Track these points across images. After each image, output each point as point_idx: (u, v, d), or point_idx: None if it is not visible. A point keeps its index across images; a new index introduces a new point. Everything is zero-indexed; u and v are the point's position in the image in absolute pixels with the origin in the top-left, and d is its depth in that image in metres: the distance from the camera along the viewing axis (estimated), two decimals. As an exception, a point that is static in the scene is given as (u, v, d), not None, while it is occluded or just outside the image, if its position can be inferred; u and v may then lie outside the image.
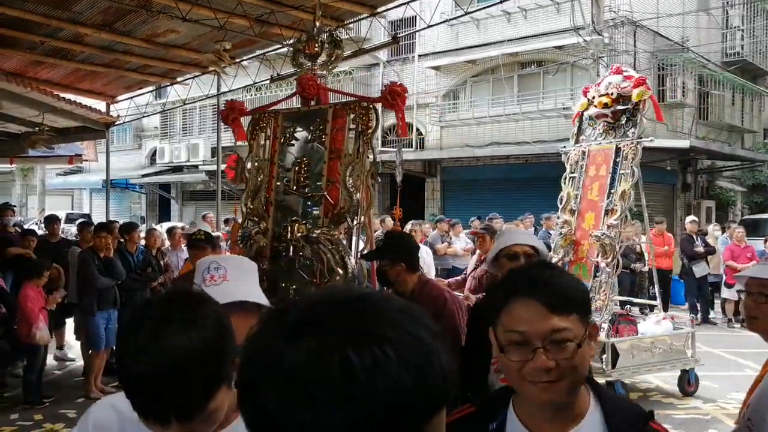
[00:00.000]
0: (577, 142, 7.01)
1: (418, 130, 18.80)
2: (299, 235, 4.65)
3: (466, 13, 9.55)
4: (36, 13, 8.51)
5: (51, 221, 9.52)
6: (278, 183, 5.23)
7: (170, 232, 9.49)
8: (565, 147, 7.70)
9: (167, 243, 9.26)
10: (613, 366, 5.91)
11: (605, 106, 6.33)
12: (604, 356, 5.82)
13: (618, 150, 6.27)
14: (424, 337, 0.71)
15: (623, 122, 6.29)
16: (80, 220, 12.80)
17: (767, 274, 2.20)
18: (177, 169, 23.61)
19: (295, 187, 5.07)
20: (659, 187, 17.62)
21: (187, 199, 25.42)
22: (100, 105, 12.86)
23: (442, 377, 0.71)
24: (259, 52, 11.10)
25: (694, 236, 11.73)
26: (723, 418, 6.50)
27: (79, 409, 6.67)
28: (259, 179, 5.30)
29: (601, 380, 5.41)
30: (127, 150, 25.98)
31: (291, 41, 9.83)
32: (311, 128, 5.27)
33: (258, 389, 0.70)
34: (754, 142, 21.09)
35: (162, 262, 8.44)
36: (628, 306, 8.11)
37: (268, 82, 14.87)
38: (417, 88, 18.66)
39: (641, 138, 6.19)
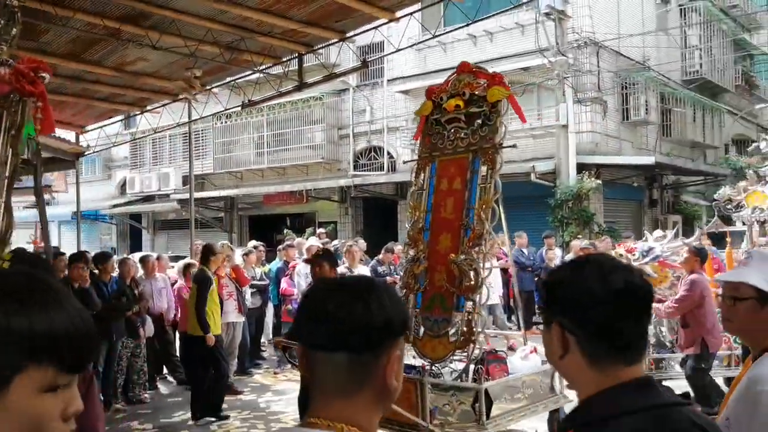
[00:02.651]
0: (424, 151, 5.75)
1: (389, 153, 18.94)
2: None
3: (433, 36, 9.71)
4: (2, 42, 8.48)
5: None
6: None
7: (143, 261, 9.45)
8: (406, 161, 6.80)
9: (141, 272, 9.21)
10: (488, 416, 4.65)
11: (457, 108, 5.37)
12: (476, 405, 4.60)
13: (475, 159, 5.23)
14: (392, 293, 1.32)
15: (478, 127, 5.26)
16: (55, 249, 12.62)
17: (735, 277, 2.28)
18: (148, 198, 23.42)
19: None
20: (627, 203, 17.95)
21: (158, 229, 25.19)
22: (69, 135, 12.77)
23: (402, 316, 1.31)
24: (229, 78, 11.16)
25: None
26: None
27: None
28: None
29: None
30: (97, 180, 25.71)
31: (262, 67, 9.94)
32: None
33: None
34: (716, 158, 21.61)
35: (136, 291, 8.41)
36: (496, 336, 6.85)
37: (239, 108, 14.93)
38: (387, 112, 18.84)
39: (501, 144, 5.15)
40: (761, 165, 8.38)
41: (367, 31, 9.17)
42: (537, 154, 15.88)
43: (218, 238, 15.07)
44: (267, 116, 20.45)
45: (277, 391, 8.84)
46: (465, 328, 4.93)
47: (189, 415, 7.53)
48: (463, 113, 5.33)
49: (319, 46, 9.75)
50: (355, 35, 9.46)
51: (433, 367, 5.04)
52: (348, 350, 1.25)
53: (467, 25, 9.67)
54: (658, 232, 11.74)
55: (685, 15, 19.81)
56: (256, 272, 10.32)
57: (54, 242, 25.89)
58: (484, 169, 5.16)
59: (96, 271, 8.09)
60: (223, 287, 8.39)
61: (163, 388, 9.33)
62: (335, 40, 9.18)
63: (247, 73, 10.72)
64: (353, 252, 9.43)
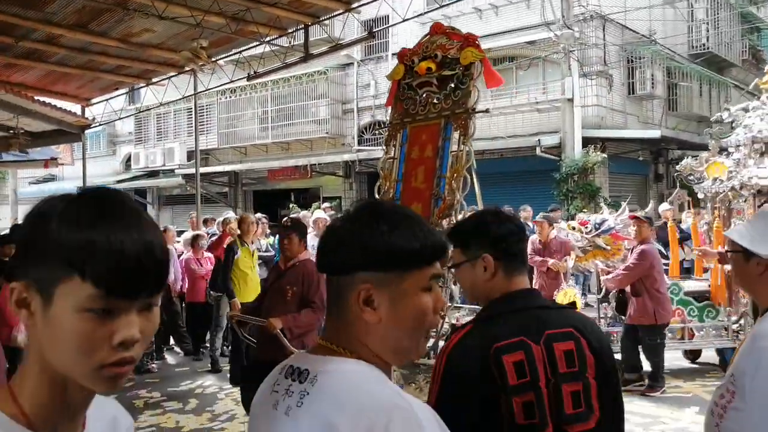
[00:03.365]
0: (396, 118, 5.45)
1: (393, 128, 18.90)
2: None
3: (440, 6, 9.64)
4: (8, 14, 8.46)
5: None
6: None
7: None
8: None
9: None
10: None
11: (429, 71, 5.06)
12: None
13: (447, 125, 4.94)
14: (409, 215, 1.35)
15: (451, 91, 4.95)
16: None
17: (728, 232, 2.34)
18: (153, 174, 23.46)
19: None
20: (632, 178, 17.93)
21: (163, 204, 25.26)
22: (74, 108, 12.77)
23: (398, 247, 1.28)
24: (234, 51, 11.13)
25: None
26: (704, 395, 6.69)
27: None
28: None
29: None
30: (102, 156, 25.75)
31: (268, 39, 9.92)
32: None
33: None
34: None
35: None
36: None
37: (244, 82, 14.90)
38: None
39: (474, 109, 4.84)
40: (724, 135, 8.27)
41: (373, 1, 9.12)
42: (542, 128, 15.85)
43: (223, 213, 15.12)
44: (271, 91, 20.39)
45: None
46: None
47: (196, 383, 7.63)
48: (435, 76, 5.03)
49: (324, 17, 9.71)
50: (361, 6, 9.42)
51: None
52: (327, 271, 1.34)
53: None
54: (665, 206, 11.79)
55: (692, -12, 19.65)
56: (262, 244, 10.36)
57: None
58: (456, 135, 4.88)
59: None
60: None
61: (170, 359, 9.44)
62: (341, 10, 9.15)
63: (253, 44, 10.69)
64: (320, 223, 10.06)
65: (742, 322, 7.43)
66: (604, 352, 1.93)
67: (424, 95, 5.11)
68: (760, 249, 2.13)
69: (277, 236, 11.36)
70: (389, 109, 5.54)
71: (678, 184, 8.11)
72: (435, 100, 5.04)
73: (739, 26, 21.50)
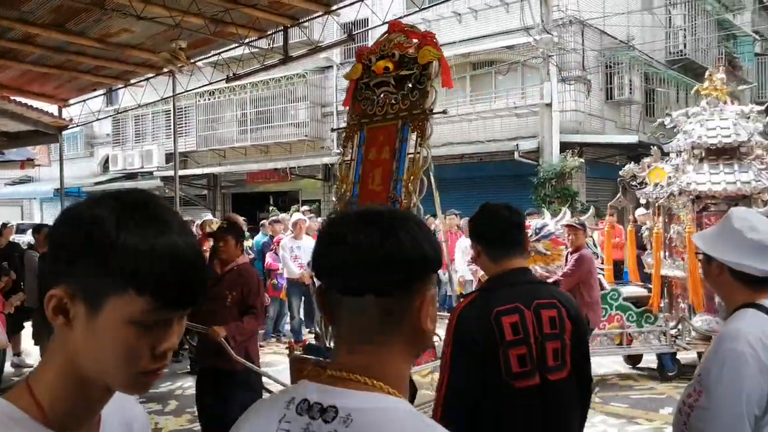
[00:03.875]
0: (353, 118, 5.32)
1: (373, 131, 18.93)
2: None
3: (420, 9, 9.67)
4: (-18, 13, 8.37)
5: (2, 227, 9.46)
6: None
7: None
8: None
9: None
10: (412, 402, 4.24)
11: (386, 71, 4.89)
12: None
13: (404, 126, 4.79)
14: (426, 228, 1.18)
15: (408, 91, 4.79)
16: (36, 224, 12.58)
17: (695, 238, 2.40)
18: (131, 176, 23.28)
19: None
20: (609, 183, 18.06)
21: (141, 207, 25.06)
22: (52, 108, 12.64)
23: (437, 251, 1.16)
24: (214, 52, 11.09)
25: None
26: (677, 396, 6.77)
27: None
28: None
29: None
30: (79, 158, 25.51)
31: (247, 40, 9.89)
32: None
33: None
34: (698, 138, 21.82)
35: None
36: None
37: (223, 85, 14.85)
38: (372, 89, 18.78)
39: (432, 110, 4.72)
40: (666, 140, 8.28)
41: (353, 3, 9.14)
42: (521, 133, 15.96)
43: (202, 216, 15.04)
44: (250, 93, 20.32)
45: (263, 363, 8.88)
46: None
47: (176, 385, 7.57)
48: (392, 76, 4.88)
49: (304, 19, 9.71)
50: (340, 8, 9.42)
51: None
52: (376, 291, 1.10)
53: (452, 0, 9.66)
54: (641, 210, 11.91)
55: (669, -5, 19.92)
56: (241, 246, 10.32)
57: (36, 219, 25.72)
58: (414, 137, 4.76)
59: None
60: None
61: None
62: (320, 12, 9.15)
63: (232, 46, 10.65)
64: (300, 225, 9.93)
65: (680, 327, 7.51)
66: (579, 320, 2.46)
67: (382, 95, 4.98)
68: (715, 253, 2.22)
69: (256, 238, 11.40)
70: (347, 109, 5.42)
71: (620, 190, 8.07)
72: (392, 101, 4.91)
73: (715, 33, 21.82)
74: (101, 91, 13.34)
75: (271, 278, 10.28)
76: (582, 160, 15.07)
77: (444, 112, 5.07)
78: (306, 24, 10.60)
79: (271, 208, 17.77)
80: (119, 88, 12.90)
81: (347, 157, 5.17)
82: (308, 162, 19.08)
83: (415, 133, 4.73)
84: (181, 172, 17.25)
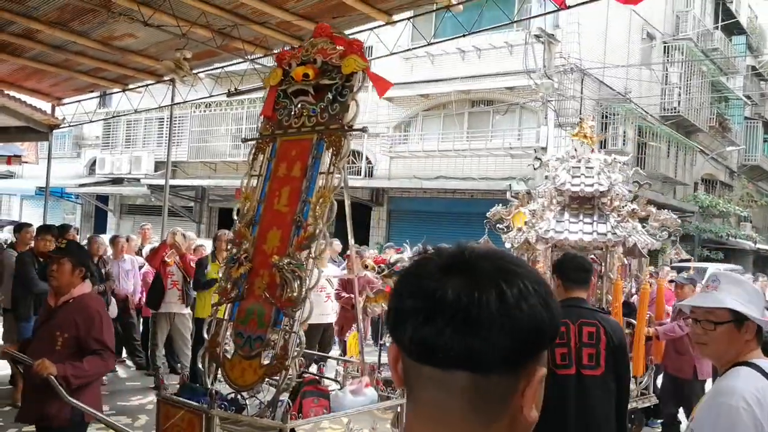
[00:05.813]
0: (267, 129, 4.74)
1: (367, 158, 18.91)
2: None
3: (429, 44, 9.70)
4: (-14, 4, 8.24)
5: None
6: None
7: (113, 241, 9.20)
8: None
9: (110, 252, 8.98)
10: None
11: (305, 78, 4.34)
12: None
13: (319, 142, 4.25)
14: (540, 280, 0.90)
15: (328, 103, 4.29)
16: (18, 222, 12.31)
17: (710, 302, 2.30)
18: (117, 180, 23.02)
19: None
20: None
21: (125, 213, 24.75)
22: (45, 106, 12.46)
23: (557, 312, 0.90)
24: (217, 66, 11.02)
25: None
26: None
27: (5, 417, 6.33)
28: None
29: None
30: (65, 158, 25.17)
31: (252, 57, 9.84)
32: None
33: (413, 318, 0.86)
34: (685, 194, 22.04)
35: (104, 271, 8.20)
36: (322, 364, 5.64)
37: (221, 98, 14.76)
38: (369, 117, 18.78)
39: (351, 126, 4.19)
40: (534, 186, 7.99)
41: (362, 32, 9.13)
42: (514, 173, 15.99)
43: (186, 228, 14.84)
44: (247, 109, 20.26)
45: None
46: (280, 351, 3.86)
47: (147, 399, 7.35)
48: (312, 84, 4.33)
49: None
50: (350, 36, 9.40)
51: (239, 397, 4.06)
52: (472, 368, 0.84)
53: (461, 36, 9.69)
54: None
55: (668, 52, 20.23)
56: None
57: (15, 217, 25.32)
58: (328, 154, 4.19)
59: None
60: (168, 275, 8.21)
61: (121, 372, 9.10)
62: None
63: (236, 61, 10.59)
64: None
65: (646, 380, 7.30)
66: (616, 335, 3.57)
67: (299, 105, 4.44)
68: (757, 314, 2.20)
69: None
70: (262, 118, 4.87)
71: (486, 232, 7.64)
72: (310, 112, 4.38)
73: (709, 94, 22.18)
74: (97, 93, 13.19)
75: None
76: (572, 206, 15.08)
77: (363, 129, 4.52)
78: (312, 46, 10.58)
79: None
80: (116, 92, 12.77)
81: (255, 171, 4.62)
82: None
83: (330, 150, 4.18)
84: (170, 182, 17.07)
